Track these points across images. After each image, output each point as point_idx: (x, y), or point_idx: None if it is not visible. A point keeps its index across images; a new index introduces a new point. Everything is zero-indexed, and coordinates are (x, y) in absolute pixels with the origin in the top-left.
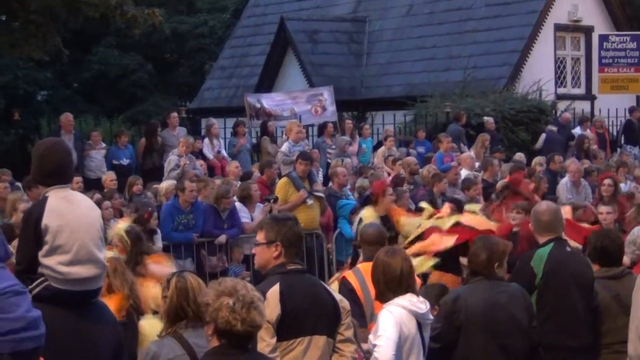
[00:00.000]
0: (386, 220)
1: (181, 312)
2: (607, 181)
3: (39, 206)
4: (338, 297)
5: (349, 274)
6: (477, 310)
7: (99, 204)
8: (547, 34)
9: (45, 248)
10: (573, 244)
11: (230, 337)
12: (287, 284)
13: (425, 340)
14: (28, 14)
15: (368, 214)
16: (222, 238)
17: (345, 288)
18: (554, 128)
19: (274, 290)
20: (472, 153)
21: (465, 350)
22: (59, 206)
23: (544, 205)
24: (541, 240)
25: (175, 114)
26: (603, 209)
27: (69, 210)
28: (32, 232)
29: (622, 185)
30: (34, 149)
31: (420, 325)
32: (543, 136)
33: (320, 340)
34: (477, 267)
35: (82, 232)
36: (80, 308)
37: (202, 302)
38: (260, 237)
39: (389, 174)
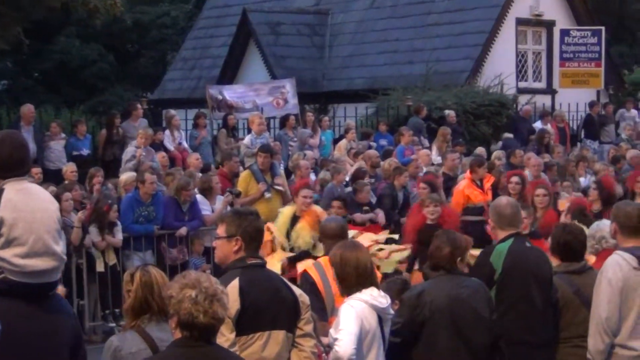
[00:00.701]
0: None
1: (145, 306)
2: (514, 179)
3: None
4: (298, 291)
5: (309, 268)
6: (442, 306)
7: (58, 196)
8: (508, 28)
9: (1, 240)
10: None
11: (193, 329)
12: (246, 279)
13: (386, 334)
14: None
15: (286, 211)
16: (183, 230)
17: (307, 281)
18: (511, 135)
19: (233, 285)
20: (432, 149)
21: (429, 345)
22: (15, 198)
23: (504, 199)
24: (501, 235)
25: (138, 105)
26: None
27: (25, 203)
28: None
29: (581, 179)
30: None
31: (381, 320)
32: (500, 144)
33: (279, 335)
34: (440, 261)
35: (39, 224)
36: (38, 300)
37: (165, 295)
38: (220, 230)
39: (351, 167)
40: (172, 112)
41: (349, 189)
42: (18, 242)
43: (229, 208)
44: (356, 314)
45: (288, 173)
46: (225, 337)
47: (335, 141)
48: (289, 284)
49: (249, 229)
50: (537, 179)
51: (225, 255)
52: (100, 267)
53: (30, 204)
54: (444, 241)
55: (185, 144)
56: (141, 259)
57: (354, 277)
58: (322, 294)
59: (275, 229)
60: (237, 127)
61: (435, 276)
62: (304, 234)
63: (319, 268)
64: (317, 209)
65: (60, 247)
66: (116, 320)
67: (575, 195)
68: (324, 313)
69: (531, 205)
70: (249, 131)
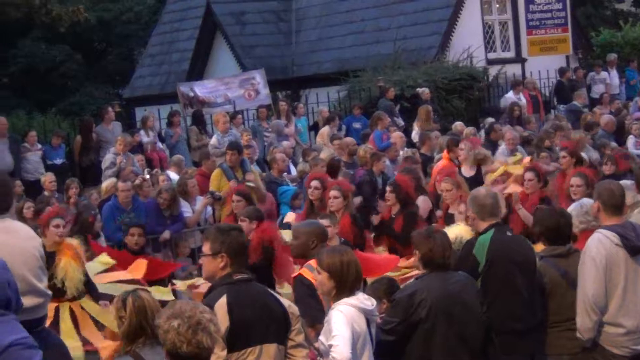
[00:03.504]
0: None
1: (139, 331)
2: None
3: None
4: (286, 303)
5: (304, 271)
6: (435, 304)
7: (39, 212)
8: (473, 1)
9: None
10: None
11: (178, 359)
12: (234, 295)
13: (373, 336)
14: None
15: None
16: (166, 234)
17: (303, 284)
18: (492, 119)
19: (222, 302)
20: (414, 129)
21: (424, 343)
22: None
23: (482, 190)
24: (482, 226)
25: (110, 109)
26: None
27: (5, 242)
28: None
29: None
30: None
31: (367, 322)
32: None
33: (270, 349)
34: (432, 258)
35: (20, 263)
36: None
37: (155, 325)
38: (205, 248)
39: None
40: (147, 113)
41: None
42: None
43: (209, 209)
44: (346, 318)
45: (265, 165)
46: (216, 355)
47: (310, 128)
48: (277, 296)
49: (234, 245)
50: (513, 152)
51: (212, 272)
52: None
53: (10, 243)
54: (438, 241)
55: (159, 144)
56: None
57: (353, 281)
58: (319, 296)
59: None
60: (206, 122)
61: (425, 274)
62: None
63: (313, 270)
64: (72, 241)
65: (44, 284)
66: None
67: (553, 165)
68: (322, 314)
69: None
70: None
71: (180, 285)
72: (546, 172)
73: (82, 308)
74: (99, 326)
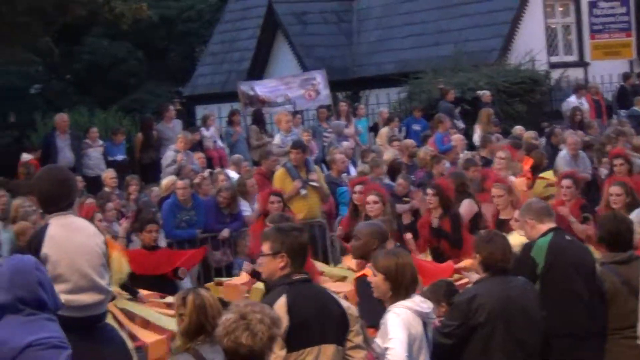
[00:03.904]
0: None
1: (199, 329)
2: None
3: (39, 235)
4: (345, 304)
5: (367, 270)
6: (496, 309)
7: (101, 207)
8: (536, 3)
9: None
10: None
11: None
12: (293, 295)
13: (430, 338)
14: (16, 16)
15: None
16: (225, 232)
17: (366, 284)
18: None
19: (281, 302)
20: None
21: (483, 347)
22: (59, 234)
23: (535, 198)
24: (541, 230)
25: (171, 107)
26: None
27: (68, 239)
28: None
29: None
30: (34, 176)
31: (424, 324)
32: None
33: (329, 349)
34: (493, 262)
35: (83, 260)
36: (87, 331)
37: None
38: (265, 248)
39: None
40: (208, 112)
41: (388, 181)
42: (63, 279)
43: None
44: (402, 321)
45: (324, 166)
46: (275, 354)
47: (370, 129)
48: (337, 297)
49: (294, 245)
50: (576, 158)
51: (272, 272)
52: None
53: (73, 240)
54: (498, 245)
55: (219, 142)
56: None
57: (409, 284)
58: None
59: None
60: (266, 122)
61: (485, 277)
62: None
63: None
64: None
65: (105, 281)
66: None
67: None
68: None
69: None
70: (278, 130)
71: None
72: (583, 179)
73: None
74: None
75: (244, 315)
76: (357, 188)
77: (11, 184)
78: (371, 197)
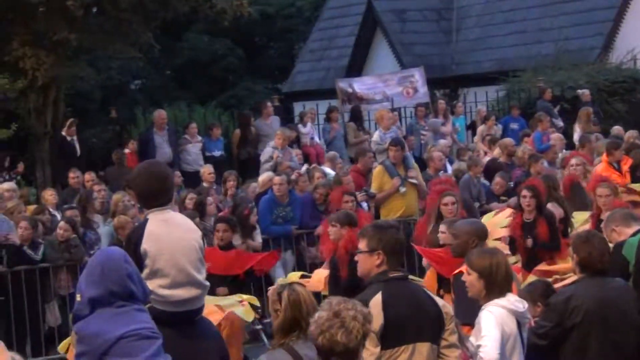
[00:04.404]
0: None
1: (294, 325)
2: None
3: (139, 230)
4: (441, 302)
5: (465, 268)
6: (592, 310)
7: (202, 202)
8: (639, 1)
9: (146, 272)
10: None
11: (319, 352)
12: (389, 293)
13: (524, 338)
14: (119, 12)
15: None
16: (320, 229)
17: (462, 283)
18: None
19: (377, 299)
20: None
21: (578, 349)
22: (158, 230)
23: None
24: (629, 232)
25: (269, 104)
26: None
27: (167, 234)
28: (133, 256)
29: None
30: (133, 172)
31: (518, 324)
32: None
33: (423, 347)
34: (590, 263)
35: (181, 255)
36: (183, 326)
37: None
38: (362, 245)
39: (485, 154)
40: (307, 109)
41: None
42: (162, 274)
43: (364, 205)
44: (496, 319)
45: (421, 164)
46: (369, 351)
47: (468, 127)
48: (432, 295)
49: (391, 243)
50: None
51: (368, 270)
52: None
53: (172, 235)
54: (596, 245)
55: (317, 139)
56: (281, 259)
57: (503, 282)
58: None
59: None
60: (364, 119)
61: (583, 278)
62: None
63: None
64: None
65: (202, 275)
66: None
67: None
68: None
69: None
70: (378, 127)
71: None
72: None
73: None
74: None
75: (337, 312)
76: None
77: (106, 172)
78: (448, 199)
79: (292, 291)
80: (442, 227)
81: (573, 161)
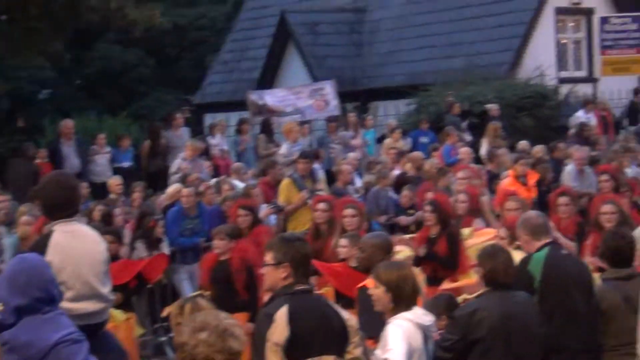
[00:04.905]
0: None
1: None
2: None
3: (43, 241)
4: (346, 315)
5: (369, 281)
6: (496, 324)
7: (109, 213)
8: (547, 18)
9: None
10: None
11: None
12: (295, 305)
13: (430, 351)
14: (29, 20)
15: None
16: None
17: (367, 297)
18: None
19: (282, 312)
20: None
21: None
22: (63, 242)
23: (531, 212)
24: (537, 245)
25: (179, 115)
26: (606, 207)
27: (72, 246)
28: None
29: (627, 170)
30: (40, 182)
31: (425, 337)
32: None
33: None
34: (495, 276)
35: (86, 268)
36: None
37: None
38: (268, 257)
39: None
40: (216, 121)
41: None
42: (66, 286)
43: (272, 219)
44: (403, 333)
45: (331, 177)
46: None
47: (378, 140)
48: (338, 308)
49: (297, 255)
50: (582, 173)
51: (274, 282)
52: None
53: (77, 247)
54: (501, 259)
55: (226, 149)
56: (188, 272)
57: (410, 296)
58: None
59: None
60: (275, 131)
61: (487, 292)
62: None
63: None
64: None
65: (107, 289)
66: (167, 333)
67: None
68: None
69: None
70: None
71: None
72: (580, 195)
73: None
74: None
75: (224, 328)
76: (320, 206)
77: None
78: (348, 211)
79: (194, 304)
80: (343, 241)
81: (460, 174)
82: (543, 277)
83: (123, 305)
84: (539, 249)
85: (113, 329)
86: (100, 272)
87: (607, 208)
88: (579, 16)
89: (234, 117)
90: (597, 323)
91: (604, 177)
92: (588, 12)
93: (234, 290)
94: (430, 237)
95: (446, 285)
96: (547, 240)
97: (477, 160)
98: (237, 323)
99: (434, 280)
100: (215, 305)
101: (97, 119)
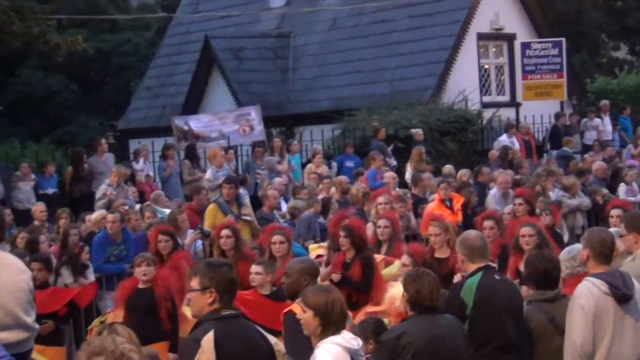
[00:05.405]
0: None
1: None
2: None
3: None
4: (273, 340)
5: (294, 306)
6: (423, 347)
7: (35, 240)
8: (470, 44)
9: None
10: None
11: None
12: (221, 331)
13: None
14: None
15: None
16: None
17: (294, 321)
18: None
19: (208, 338)
20: (407, 170)
21: None
22: None
23: (473, 232)
24: (470, 268)
25: (103, 141)
26: (525, 230)
27: None
28: None
29: (550, 193)
30: None
31: None
32: None
33: None
34: (420, 300)
35: (9, 298)
36: None
37: None
38: (194, 283)
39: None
40: (140, 147)
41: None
42: None
43: (198, 244)
44: (332, 357)
45: (257, 202)
46: None
47: (303, 165)
48: (264, 333)
49: (223, 281)
50: (506, 196)
51: (200, 308)
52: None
53: (0, 276)
54: (425, 283)
55: (151, 175)
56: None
57: (338, 320)
58: None
59: None
60: (200, 157)
61: (413, 315)
62: None
63: None
64: None
65: (31, 318)
66: None
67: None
68: (311, 352)
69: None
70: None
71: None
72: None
73: None
74: None
75: (121, 352)
76: (224, 232)
77: None
78: (277, 237)
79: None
80: (257, 268)
81: (380, 199)
82: (475, 304)
83: (53, 333)
84: (472, 274)
85: None
86: (24, 302)
87: (526, 230)
88: (500, 41)
89: (159, 143)
90: (528, 348)
91: (519, 200)
92: (510, 38)
93: (156, 318)
94: (346, 261)
95: (369, 309)
96: (482, 265)
97: (402, 184)
98: (134, 348)
99: (349, 305)
100: (135, 333)
101: (20, 146)
